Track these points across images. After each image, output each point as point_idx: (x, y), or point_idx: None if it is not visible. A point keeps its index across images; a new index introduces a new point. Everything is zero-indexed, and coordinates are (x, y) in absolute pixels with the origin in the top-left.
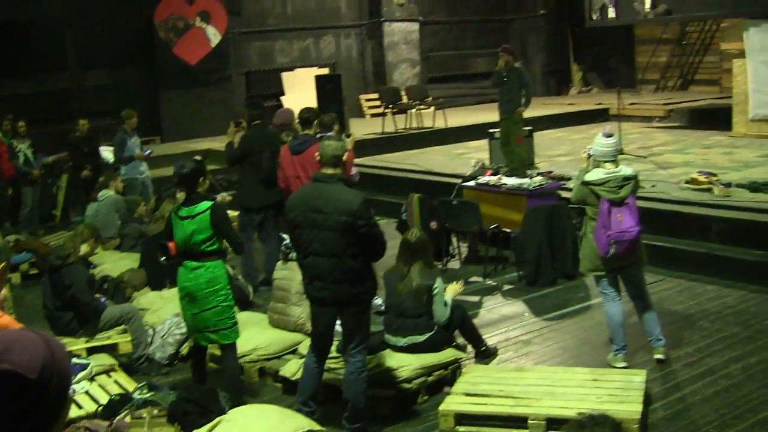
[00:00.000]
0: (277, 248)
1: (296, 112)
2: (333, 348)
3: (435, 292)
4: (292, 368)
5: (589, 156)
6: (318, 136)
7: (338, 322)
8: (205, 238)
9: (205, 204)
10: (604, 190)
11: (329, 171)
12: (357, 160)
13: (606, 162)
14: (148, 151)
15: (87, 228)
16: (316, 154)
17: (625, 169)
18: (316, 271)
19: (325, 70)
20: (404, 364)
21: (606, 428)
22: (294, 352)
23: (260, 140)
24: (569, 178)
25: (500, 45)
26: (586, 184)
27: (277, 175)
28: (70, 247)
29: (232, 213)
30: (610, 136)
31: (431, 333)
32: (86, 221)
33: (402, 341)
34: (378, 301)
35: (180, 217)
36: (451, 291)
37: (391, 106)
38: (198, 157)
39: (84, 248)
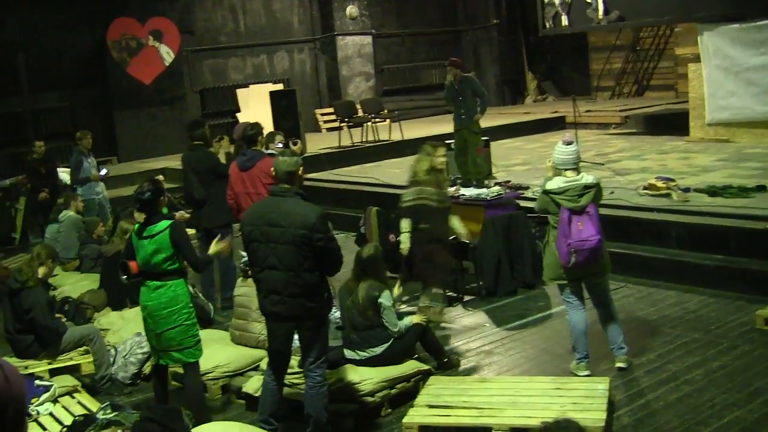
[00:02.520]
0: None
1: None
2: (294, 363)
3: (381, 302)
4: (254, 384)
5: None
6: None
7: (296, 337)
8: (165, 257)
9: (164, 223)
10: (564, 199)
11: (284, 185)
12: (314, 174)
13: (566, 170)
14: (104, 171)
15: (44, 249)
16: (271, 169)
17: (587, 177)
18: (271, 285)
19: (279, 86)
20: (366, 377)
21: None
22: (256, 368)
23: (197, 160)
24: (527, 188)
25: (453, 56)
26: (546, 193)
27: (227, 193)
28: (28, 272)
29: (190, 231)
30: (569, 143)
31: (387, 344)
32: (46, 242)
33: (360, 355)
34: (337, 314)
35: (140, 237)
36: (417, 320)
37: (346, 119)
38: (160, 177)
39: (42, 270)
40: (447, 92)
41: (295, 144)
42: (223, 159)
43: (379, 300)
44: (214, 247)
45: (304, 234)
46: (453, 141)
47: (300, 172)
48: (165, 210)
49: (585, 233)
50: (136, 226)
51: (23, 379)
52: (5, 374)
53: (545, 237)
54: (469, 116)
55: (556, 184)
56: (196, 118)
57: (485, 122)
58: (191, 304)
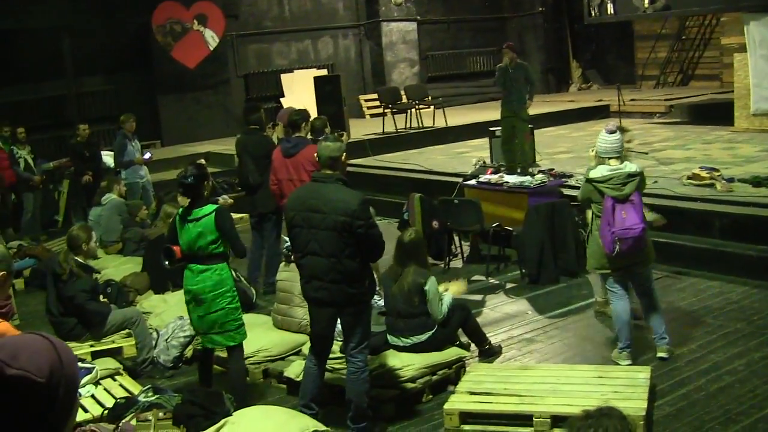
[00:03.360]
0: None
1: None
2: (336, 348)
3: (427, 290)
4: (296, 369)
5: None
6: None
7: (338, 322)
8: (210, 241)
9: (210, 207)
10: (607, 187)
11: (326, 171)
12: (358, 161)
13: (610, 158)
14: (148, 155)
15: (80, 232)
16: (315, 154)
17: (630, 166)
18: (313, 270)
19: (323, 72)
20: (408, 363)
21: (613, 419)
22: (298, 353)
23: (253, 145)
24: (571, 176)
25: (498, 43)
26: (589, 181)
27: (270, 179)
28: (65, 266)
29: (236, 215)
30: (613, 132)
31: (432, 332)
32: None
33: (404, 342)
34: (380, 301)
35: (185, 220)
36: (453, 290)
37: (390, 106)
38: (201, 161)
39: (83, 254)
40: (500, 75)
41: (341, 135)
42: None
43: (425, 287)
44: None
45: (344, 220)
46: (499, 128)
47: (343, 158)
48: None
49: (629, 221)
50: (181, 210)
51: (75, 358)
52: (58, 353)
53: (588, 226)
54: (520, 103)
55: (599, 172)
56: (252, 102)
57: (529, 110)
58: (235, 288)
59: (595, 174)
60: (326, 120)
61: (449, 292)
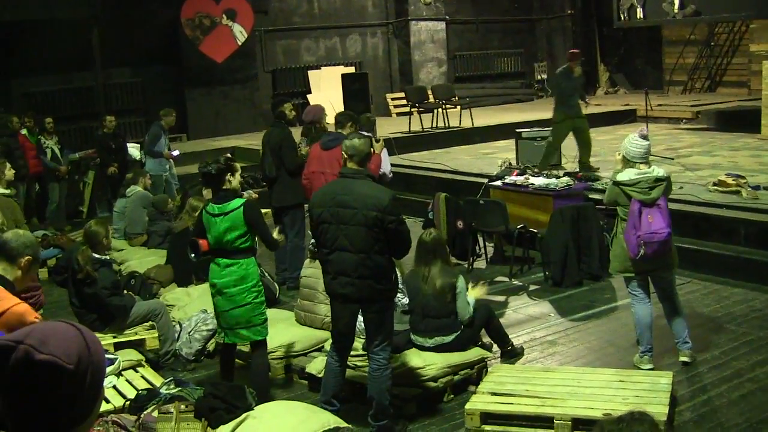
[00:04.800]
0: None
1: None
2: (359, 346)
3: (458, 290)
4: (318, 365)
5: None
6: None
7: (361, 319)
8: (238, 235)
9: (238, 201)
10: (635, 191)
11: (355, 167)
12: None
13: (638, 163)
14: (176, 153)
15: (97, 227)
16: (342, 151)
17: (658, 170)
18: (341, 266)
19: (351, 69)
20: (430, 362)
21: (645, 425)
22: (320, 349)
23: (273, 137)
24: (597, 179)
25: (526, 45)
26: (617, 184)
27: (303, 172)
28: (83, 265)
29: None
30: (645, 137)
31: (458, 333)
32: (114, 217)
33: (429, 342)
34: (405, 300)
35: (212, 214)
36: (475, 294)
37: (417, 105)
38: (228, 155)
39: (102, 249)
40: (570, 84)
41: (377, 141)
42: None
43: (457, 284)
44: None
45: (376, 216)
46: (527, 130)
47: (371, 158)
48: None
49: (655, 226)
50: (207, 203)
51: (102, 347)
52: (86, 340)
53: (613, 229)
54: (579, 106)
55: (627, 176)
56: (280, 96)
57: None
58: (260, 283)
59: (622, 177)
60: (372, 119)
61: (470, 295)
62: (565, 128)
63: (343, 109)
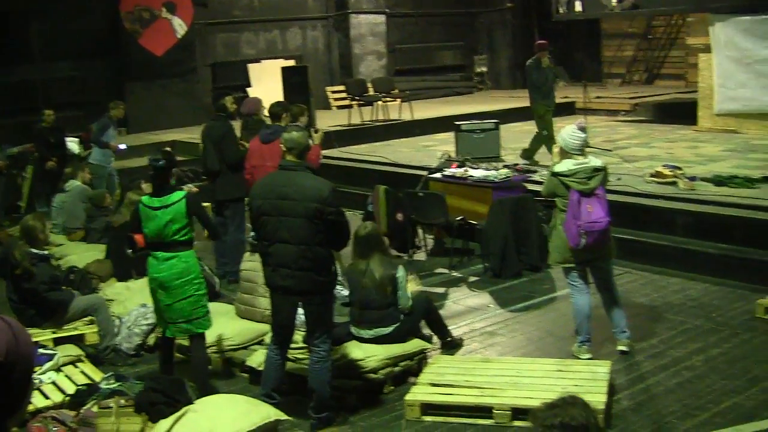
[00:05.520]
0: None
1: (264, 103)
2: (299, 338)
3: (399, 277)
4: (258, 358)
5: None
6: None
7: (301, 311)
8: (179, 227)
9: (179, 194)
10: (573, 181)
11: (295, 159)
12: (323, 152)
13: (576, 154)
14: (122, 146)
15: (34, 222)
16: (281, 143)
17: (594, 161)
18: (282, 258)
19: (291, 62)
20: (370, 354)
21: (577, 407)
22: (261, 342)
23: (214, 130)
24: (535, 171)
25: (466, 38)
26: (555, 175)
27: (244, 166)
28: (21, 260)
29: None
30: (583, 129)
31: (397, 324)
32: (52, 212)
33: (369, 333)
34: (344, 292)
35: (152, 207)
36: (410, 287)
37: (357, 98)
38: (168, 149)
39: (40, 244)
40: (540, 74)
41: (316, 132)
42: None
43: (397, 275)
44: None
45: (316, 207)
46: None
47: (310, 149)
48: (173, 182)
49: (594, 215)
50: (144, 197)
51: (31, 339)
52: (14, 333)
53: (552, 220)
54: (552, 98)
55: (565, 166)
56: (221, 90)
57: (492, 105)
58: (202, 275)
59: (560, 168)
60: (304, 108)
61: (407, 289)
62: (550, 117)
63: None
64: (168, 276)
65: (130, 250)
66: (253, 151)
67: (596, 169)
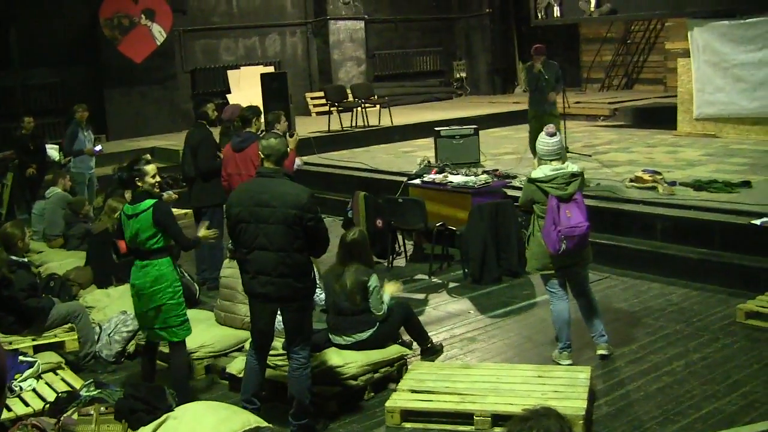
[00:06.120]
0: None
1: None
2: (278, 345)
3: (370, 287)
4: (238, 365)
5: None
6: (262, 133)
7: (280, 318)
8: (149, 236)
9: (148, 202)
10: (551, 187)
11: (272, 166)
12: (303, 158)
13: (552, 160)
14: (98, 148)
15: (13, 229)
16: (258, 150)
17: (572, 166)
18: (261, 266)
19: (270, 68)
20: (350, 360)
21: (551, 419)
22: (241, 349)
23: (194, 137)
24: (515, 176)
25: (445, 43)
26: (532, 181)
27: (221, 174)
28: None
29: (180, 211)
30: (552, 134)
31: (373, 329)
32: (32, 219)
33: (346, 340)
34: (322, 295)
35: (126, 215)
36: (390, 290)
37: (336, 104)
38: (146, 156)
39: (18, 251)
40: (532, 79)
41: (291, 136)
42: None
43: (368, 284)
44: (202, 231)
45: (295, 214)
46: (445, 128)
47: (288, 153)
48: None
49: (574, 220)
50: (126, 205)
51: (5, 352)
52: None
53: (530, 228)
54: (551, 102)
55: (542, 172)
56: (201, 96)
57: (471, 110)
58: (178, 284)
59: (537, 174)
60: (280, 114)
61: (386, 292)
62: (535, 123)
63: (266, 110)
64: (143, 284)
65: (115, 256)
66: (228, 159)
67: (574, 175)
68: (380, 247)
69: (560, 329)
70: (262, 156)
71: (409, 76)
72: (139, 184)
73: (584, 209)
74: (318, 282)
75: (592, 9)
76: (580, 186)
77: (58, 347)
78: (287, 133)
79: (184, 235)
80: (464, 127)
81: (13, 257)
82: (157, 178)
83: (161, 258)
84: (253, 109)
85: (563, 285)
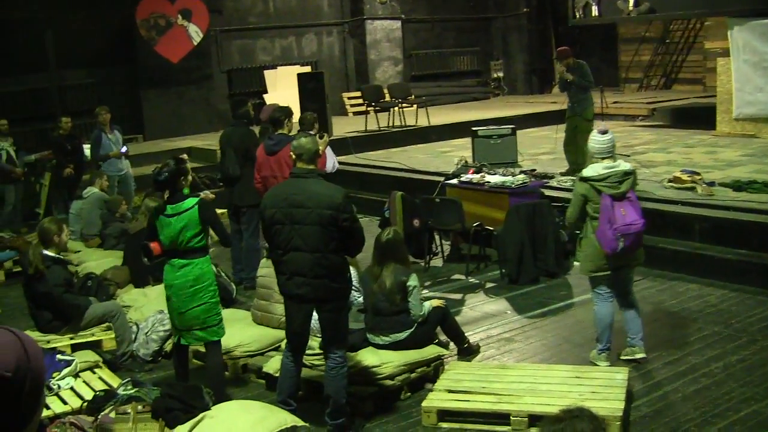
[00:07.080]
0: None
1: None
2: (315, 344)
3: (410, 287)
4: (275, 365)
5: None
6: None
7: (316, 318)
8: (193, 234)
9: (192, 200)
10: (605, 186)
11: (306, 166)
12: (340, 158)
13: (604, 157)
14: (123, 149)
15: (50, 225)
16: (291, 152)
17: (624, 164)
18: (296, 267)
19: (307, 68)
20: (386, 360)
21: (584, 421)
22: (277, 349)
23: (237, 137)
24: (552, 177)
25: (481, 43)
26: (585, 180)
27: (254, 177)
28: (33, 260)
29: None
30: (604, 132)
31: (411, 330)
32: (70, 219)
33: (383, 340)
34: (360, 298)
35: (166, 215)
36: (433, 303)
37: (373, 104)
38: (183, 156)
39: (54, 246)
40: (561, 82)
41: (321, 137)
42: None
43: (408, 283)
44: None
45: (330, 214)
46: (482, 128)
47: (320, 152)
48: (186, 191)
49: (629, 218)
50: (158, 205)
51: (41, 352)
52: (24, 346)
53: (582, 230)
54: (582, 104)
55: (594, 171)
56: (240, 96)
57: (509, 110)
58: (216, 283)
59: (589, 173)
60: (315, 117)
61: (428, 303)
62: (570, 126)
63: (303, 110)
64: (183, 283)
65: (146, 259)
66: (262, 162)
67: (626, 173)
68: (417, 247)
69: (602, 331)
70: (294, 156)
71: (446, 76)
72: (183, 183)
73: (638, 207)
74: (355, 283)
75: (631, 8)
76: (632, 184)
77: (95, 346)
78: (317, 134)
79: (227, 231)
80: (501, 127)
81: (49, 253)
82: (189, 179)
83: (201, 257)
84: (284, 110)
85: (612, 287)
